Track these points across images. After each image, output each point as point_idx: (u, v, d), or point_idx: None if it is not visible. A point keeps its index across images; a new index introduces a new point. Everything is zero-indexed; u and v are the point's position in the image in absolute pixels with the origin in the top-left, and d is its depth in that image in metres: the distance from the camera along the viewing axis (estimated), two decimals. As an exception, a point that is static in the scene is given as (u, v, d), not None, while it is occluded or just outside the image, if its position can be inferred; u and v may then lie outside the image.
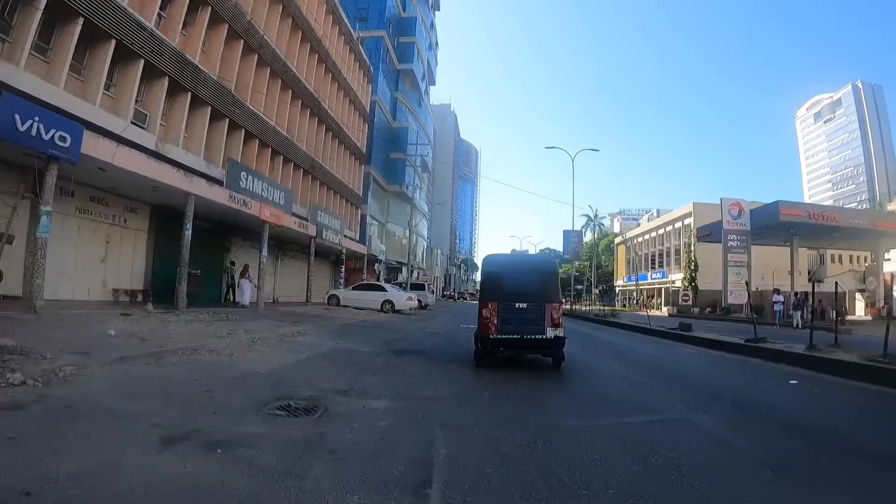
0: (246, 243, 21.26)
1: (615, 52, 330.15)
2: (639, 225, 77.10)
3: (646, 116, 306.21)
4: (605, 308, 26.66)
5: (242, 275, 19.21)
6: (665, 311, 41.57)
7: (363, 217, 34.27)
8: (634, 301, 53.63)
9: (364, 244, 29.40)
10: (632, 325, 16.24)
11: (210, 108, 17.70)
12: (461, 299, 65.48)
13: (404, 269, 42.06)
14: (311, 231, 21.60)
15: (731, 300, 28.39)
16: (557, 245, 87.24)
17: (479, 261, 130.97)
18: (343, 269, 25.37)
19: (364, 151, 32.37)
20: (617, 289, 64.12)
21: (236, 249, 21.03)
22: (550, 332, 6.75)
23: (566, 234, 28.74)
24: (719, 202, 45.06)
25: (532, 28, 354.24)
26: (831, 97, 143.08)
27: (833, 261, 49.53)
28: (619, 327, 17.02)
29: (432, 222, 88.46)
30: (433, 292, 30.04)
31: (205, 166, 17.18)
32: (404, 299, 21.52)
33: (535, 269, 7.71)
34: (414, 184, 33.22)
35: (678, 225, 46.12)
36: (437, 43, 58.15)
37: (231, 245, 20.91)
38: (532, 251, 69.10)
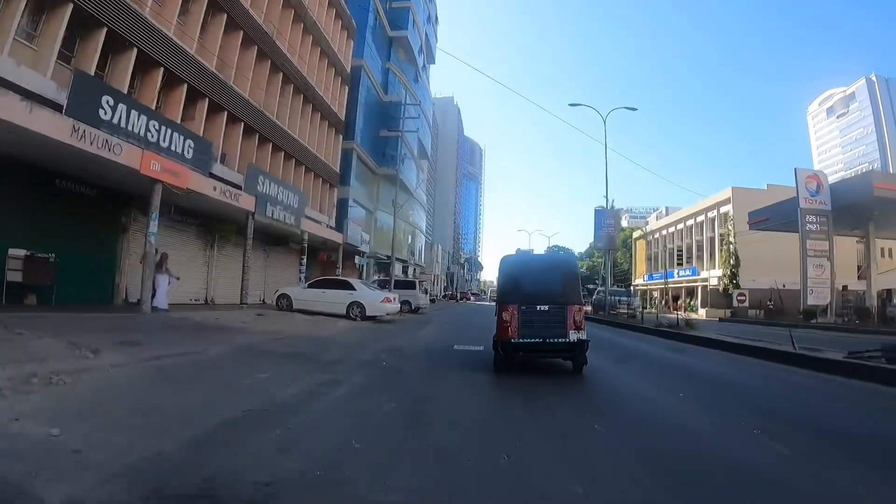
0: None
1: (623, 43, 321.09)
2: (647, 223, 69.86)
3: (654, 109, 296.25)
4: (672, 313, 18.99)
5: (159, 267, 12.80)
6: (703, 313, 34.46)
7: (343, 201, 27.52)
8: (660, 302, 46.46)
9: (341, 231, 22.61)
10: (750, 347, 9.14)
11: (72, 5, 11.04)
12: (464, 300, 58.44)
13: (396, 264, 35.19)
14: (247, 204, 14.86)
15: (811, 300, 21.31)
16: (568, 242, 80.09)
17: (483, 260, 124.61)
18: (304, 262, 18.60)
19: (343, 120, 25.64)
20: (633, 288, 56.98)
21: (140, 228, 14.31)
22: (573, 336, 6.13)
23: (598, 214, 21.71)
24: (765, 187, 38.01)
25: (539, 20, 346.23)
26: (844, 91, 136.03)
27: (882, 255, 42.27)
28: (723, 348, 9.80)
29: (435, 220, 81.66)
30: (427, 291, 23.16)
31: (55, 90, 10.52)
32: (379, 301, 14.69)
33: (555, 270, 6.89)
34: (401, 153, 26.55)
35: (712, 214, 38.98)
36: (437, 18, 51.34)
37: (130, 222, 14.19)
38: (542, 246, 62.17)
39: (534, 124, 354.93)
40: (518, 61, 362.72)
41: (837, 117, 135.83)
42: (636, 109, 22.02)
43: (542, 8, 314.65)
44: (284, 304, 15.70)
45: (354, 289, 15.01)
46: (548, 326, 6.14)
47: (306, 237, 18.45)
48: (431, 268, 51.91)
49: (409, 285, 21.64)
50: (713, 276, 37.37)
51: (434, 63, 50.77)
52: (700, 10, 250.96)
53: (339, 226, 23.70)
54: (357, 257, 24.90)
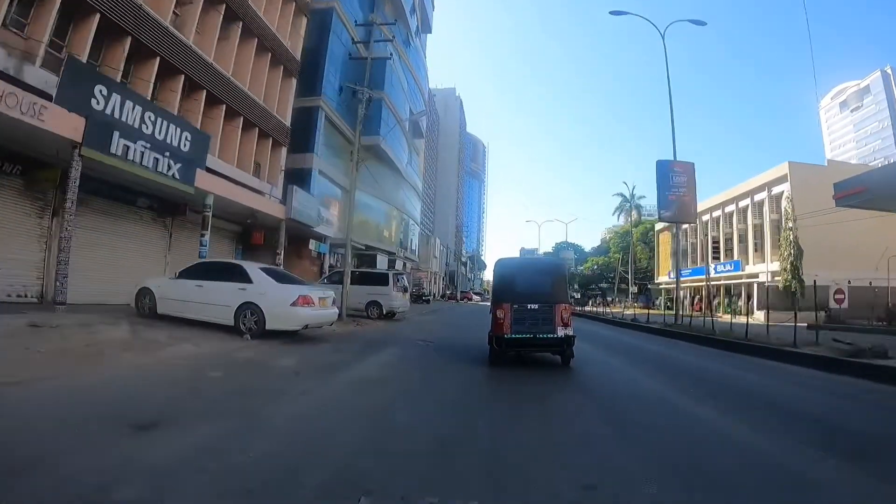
0: None
1: (628, 36, 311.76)
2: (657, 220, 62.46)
3: (661, 105, 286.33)
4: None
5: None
6: (759, 316, 27.28)
7: (304, 171, 20.73)
8: (688, 302, 39.32)
9: (285, 203, 15.64)
10: None
11: None
12: (465, 300, 51.04)
13: (381, 257, 28.20)
14: (63, 127, 7.99)
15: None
16: (578, 237, 73.03)
17: (486, 258, 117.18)
18: (205, 239, 11.56)
19: (296, 59, 18.70)
20: (648, 286, 49.83)
21: None
22: (561, 332, 6.43)
23: (662, 167, 14.38)
24: (822, 161, 30.83)
25: (543, 14, 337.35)
26: (858, 84, 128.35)
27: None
28: None
29: (435, 216, 74.80)
30: (406, 290, 16.00)
31: None
32: (288, 302, 7.68)
33: (544, 272, 7.40)
34: (363, 96, 19.43)
35: (760, 196, 31.69)
36: (433, -17, 44.48)
37: None
38: (551, 238, 55.17)
39: (537, 119, 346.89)
40: (521, 56, 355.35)
41: (851, 111, 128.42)
42: (705, 24, 15.16)
43: (544, 4, 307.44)
44: (145, 304, 8.87)
45: (249, 280, 8.05)
46: (538, 323, 6.36)
47: (210, 201, 11.52)
48: (428, 263, 44.82)
49: (377, 279, 14.57)
50: (763, 270, 30.15)
51: (430, 32, 43.89)
52: (704, 3, 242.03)
53: (285, 197, 16.72)
54: (314, 242, 17.98)
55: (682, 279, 41.06)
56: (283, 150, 17.79)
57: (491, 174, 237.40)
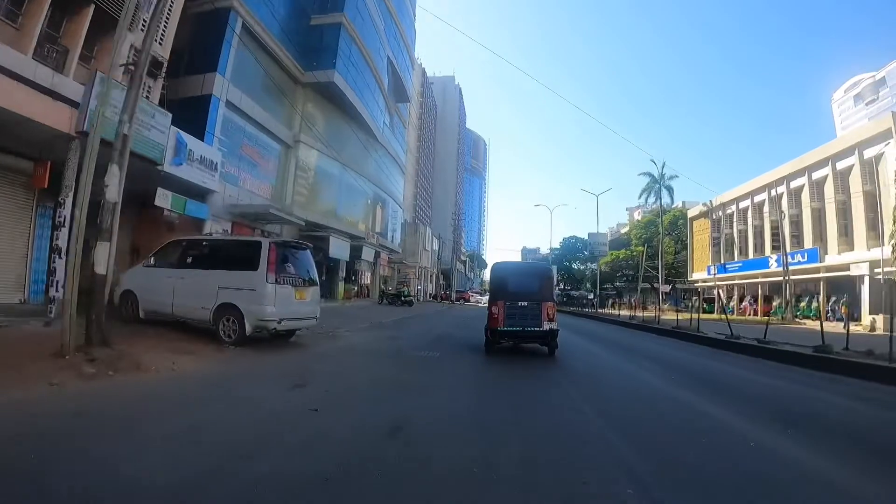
0: None
1: (630, 41, 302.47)
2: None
3: (664, 111, 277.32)
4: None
5: None
6: (868, 322, 19.17)
7: (201, 99, 13.02)
8: (727, 305, 31.34)
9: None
10: None
11: None
12: (461, 301, 42.79)
13: (336, 240, 20.08)
14: None
15: None
16: (580, 234, 64.59)
17: (487, 258, 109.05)
18: None
19: None
20: (676, 285, 41.67)
21: None
22: (546, 325, 7.21)
23: None
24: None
25: (544, 18, 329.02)
26: (873, 76, 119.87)
27: None
28: None
29: (433, 211, 66.82)
30: (306, 280, 7.25)
31: None
32: None
33: (533, 274, 8.13)
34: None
35: (846, 163, 23.59)
36: (421, -74, 36.59)
37: None
38: (561, 230, 46.87)
39: (538, 119, 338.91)
40: (521, 56, 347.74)
41: (866, 104, 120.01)
42: None
43: (551, 9, 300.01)
44: None
45: None
46: (527, 318, 7.22)
47: None
48: (416, 257, 36.78)
49: (235, 258, 6.40)
50: (858, 259, 21.98)
51: (419, -19, 35.91)
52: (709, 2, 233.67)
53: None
54: (174, 198, 9.75)
55: (724, 275, 33.03)
56: (127, 35, 9.90)
57: (492, 173, 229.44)
